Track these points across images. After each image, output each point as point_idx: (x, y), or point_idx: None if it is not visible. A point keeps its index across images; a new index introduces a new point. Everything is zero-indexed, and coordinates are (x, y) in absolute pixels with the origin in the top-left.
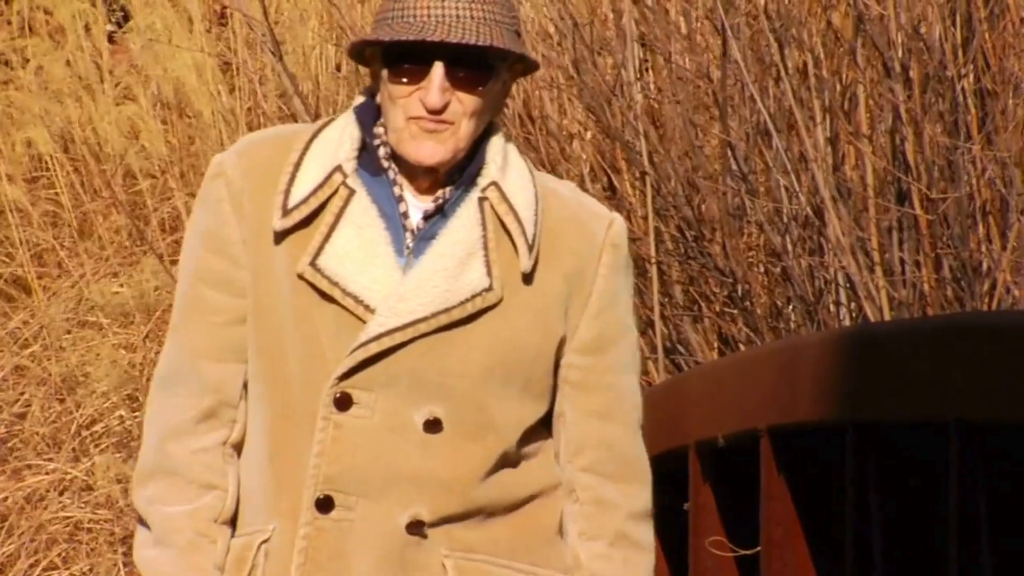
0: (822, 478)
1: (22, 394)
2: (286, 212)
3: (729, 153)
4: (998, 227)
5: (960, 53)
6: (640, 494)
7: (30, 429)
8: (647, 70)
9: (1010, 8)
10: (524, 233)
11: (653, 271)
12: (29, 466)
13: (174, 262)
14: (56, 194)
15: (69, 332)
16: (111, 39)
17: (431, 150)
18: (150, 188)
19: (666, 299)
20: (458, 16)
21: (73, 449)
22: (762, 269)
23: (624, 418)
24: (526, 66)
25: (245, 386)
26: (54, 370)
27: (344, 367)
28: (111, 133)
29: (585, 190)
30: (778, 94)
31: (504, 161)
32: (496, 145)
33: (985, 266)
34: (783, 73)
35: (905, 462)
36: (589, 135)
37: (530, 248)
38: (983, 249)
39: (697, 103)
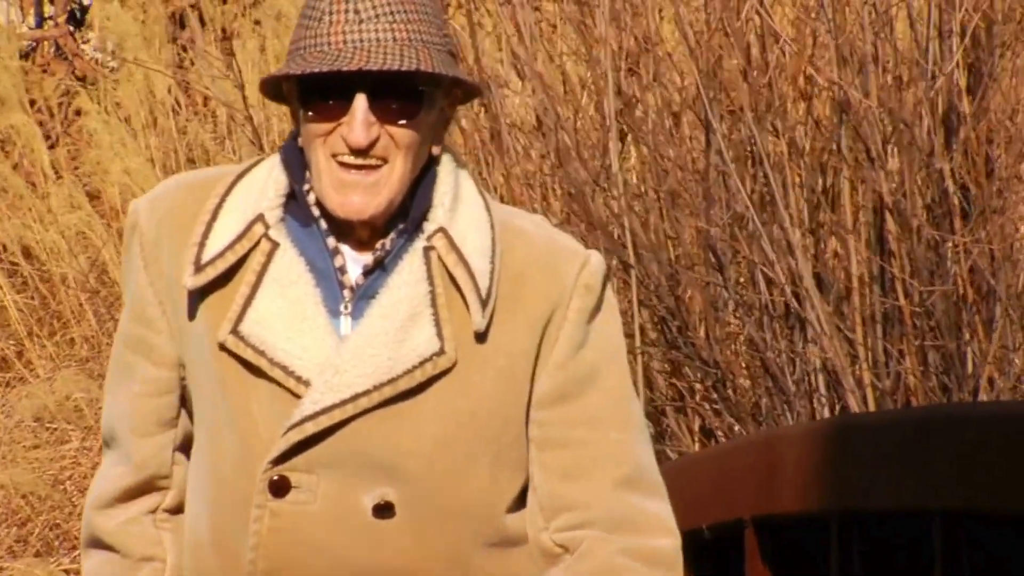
0: (806, 568)
1: None
2: (199, 268)
3: (707, 244)
4: (981, 317)
5: (945, 143)
6: (654, 542)
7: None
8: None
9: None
10: (476, 287)
11: (638, 363)
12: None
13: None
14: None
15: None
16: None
17: (360, 205)
18: (104, 298)
19: (649, 390)
20: (379, 40)
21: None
22: (743, 360)
23: (607, 476)
24: (465, 91)
25: (183, 448)
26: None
27: (278, 449)
28: (58, 243)
29: None
30: (758, 185)
31: (454, 201)
32: (445, 183)
33: (969, 357)
34: (764, 161)
35: (889, 553)
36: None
37: (484, 303)
38: (968, 339)
39: (679, 193)
